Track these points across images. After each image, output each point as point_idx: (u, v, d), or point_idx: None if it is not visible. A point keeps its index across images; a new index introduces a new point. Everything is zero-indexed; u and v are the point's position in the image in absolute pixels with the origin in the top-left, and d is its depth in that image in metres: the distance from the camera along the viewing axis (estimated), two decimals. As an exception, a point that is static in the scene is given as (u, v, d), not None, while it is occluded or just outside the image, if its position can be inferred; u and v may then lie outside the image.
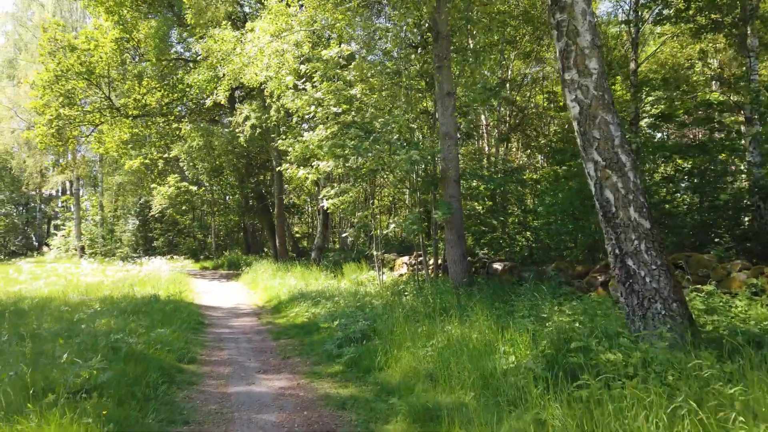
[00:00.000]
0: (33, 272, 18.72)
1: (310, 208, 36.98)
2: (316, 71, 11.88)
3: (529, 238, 13.49)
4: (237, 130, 17.34)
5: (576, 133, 5.68)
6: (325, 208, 14.95)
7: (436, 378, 5.11)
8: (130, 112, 24.23)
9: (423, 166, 12.69)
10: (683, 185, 10.64)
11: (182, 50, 25.48)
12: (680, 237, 9.60)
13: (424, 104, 13.61)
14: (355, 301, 10.30)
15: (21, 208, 47.09)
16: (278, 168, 13.86)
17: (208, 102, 15.06)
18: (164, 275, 18.60)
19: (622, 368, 4.36)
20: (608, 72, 7.29)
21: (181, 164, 20.64)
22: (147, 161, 22.55)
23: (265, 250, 32.07)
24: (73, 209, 37.13)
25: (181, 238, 34.08)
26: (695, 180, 10.31)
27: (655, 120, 11.04)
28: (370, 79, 12.35)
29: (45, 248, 41.27)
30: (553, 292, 8.73)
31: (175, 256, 30.88)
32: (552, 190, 11.22)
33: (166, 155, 22.08)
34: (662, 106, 13.11)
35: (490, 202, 14.28)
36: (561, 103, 16.11)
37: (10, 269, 19.84)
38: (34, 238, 46.34)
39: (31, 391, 4.05)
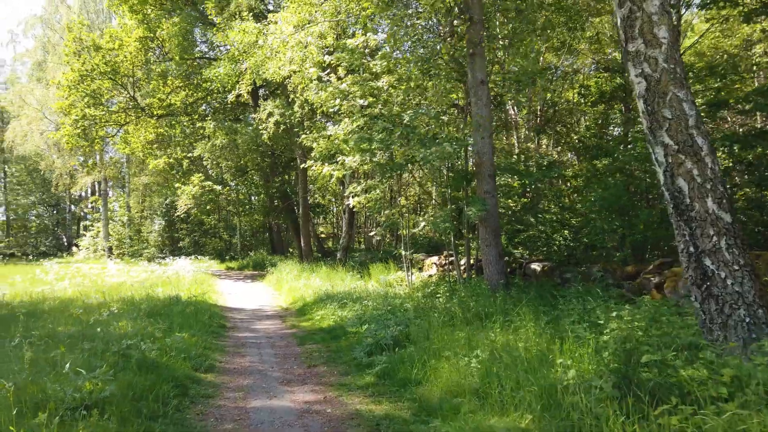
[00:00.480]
0: (59, 273, 18.61)
1: (335, 209, 36.57)
2: (340, 62, 11.30)
3: (566, 236, 12.68)
4: (260, 127, 16.90)
5: (641, 114, 4.95)
6: (350, 206, 14.39)
7: (483, 395, 4.44)
8: (155, 112, 24.11)
9: (454, 161, 12.04)
10: (745, 178, 9.72)
11: (206, 49, 25.29)
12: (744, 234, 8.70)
13: (455, 96, 12.91)
14: (384, 303, 9.67)
15: (51, 210, 47.88)
16: (302, 165, 13.33)
17: (230, 97, 14.65)
18: (188, 276, 18.31)
19: (712, 388, 3.64)
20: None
21: (204, 163, 20.34)
22: (172, 161, 22.34)
23: (291, 250, 31.72)
24: (101, 210, 37.44)
25: (206, 238, 33.99)
26: (757, 172, 9.39)
27: (709, 108, 10.12)
28: (398, 70, 11.74)
29: (74, 249, 41.75)
30: (601, 294, 7.97)
31: (200, 257, 30.77)
32: (596, 185, 10.40)
33: (190, 155, 21.82)
34: (709, 96, 12.17)
35: (526, 199, 13.51)
36: (592, 99, 15.21)
37: (37, 269, 19.78)
38: (64, 239, 47.03)
39: (14, 411, 3.53)
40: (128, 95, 23.53)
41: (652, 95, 4.79)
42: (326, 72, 11.66)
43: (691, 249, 4.75)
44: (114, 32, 22.83)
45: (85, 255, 38.09)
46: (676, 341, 4.75)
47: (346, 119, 11.30)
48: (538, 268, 10.68)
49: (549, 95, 17.75)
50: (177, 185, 22.25)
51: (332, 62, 11.50)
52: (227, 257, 31.79)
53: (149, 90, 23.64)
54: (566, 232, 12.70)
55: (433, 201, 25.63)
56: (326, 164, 12.69)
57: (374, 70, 11.65)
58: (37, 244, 44.23)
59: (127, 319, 8.54)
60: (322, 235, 36.09)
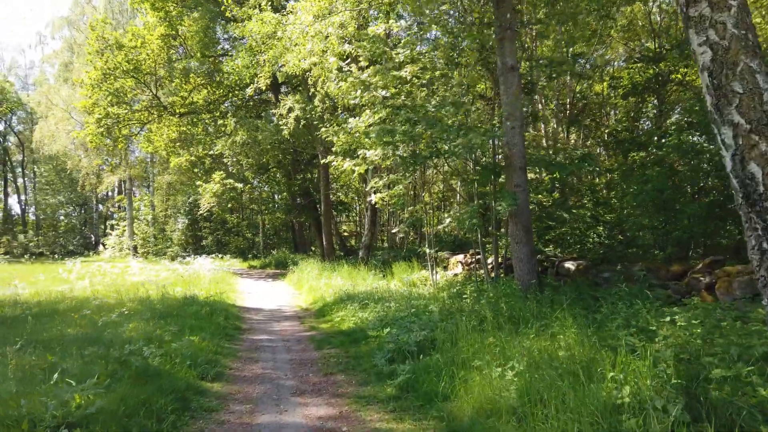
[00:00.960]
0: (81, 271, 18.54)
1: (358, 207, 36.13)
2: (362, 52, 10.76)
3: (601, 233, 11.92)
4: (281, 123, 16.50)
5: (705, 89, 4.27)
6: (372, 203, 13.86)
7: (523, 416, 3.85)
8: (178, 110, 23.99)
9: (480, 153, 11.39)
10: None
11: (228, 47, 25.06)
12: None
13: (482, 86, 12.27)
14: (408, 305, 9.11)
15: (79, 209, 48.62)
16: (323, 161, 12.86)
17: (249, 91, 14.26)
18: (208, 274, 18.05)
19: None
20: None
21: (225, 161, 20.09)
22: (194, 159, 22.16)
23: (313, 248, 31.41)
24: (126, 209, 37.74)
25: (230, 237, 33.91)
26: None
27: None
28: (421, 59, 11.14)
29: (101, 248, 42.24)
30: (645, 296, 7.27)
31: (222, 255, 30.67)
32: (635, 179, 9.64)
33: (211, 152, 21.59)
34: None
35: (556, 195, 12.79)
36: (624, 90, 14.35)
37: (60, 268, 19.76)
38: (92, 238, 47.71)
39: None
40: (151, 94, 23.45)
41: (719, 66, 4.11)
42: (347, 62, 11.14)
43: (765, 245, 4.06)
44: (136, 30, 22.75)
45: (111, 254, 38.47)
46: (747, 352, 4.07)
47: (368, 110, 10.77)
48: (573, 267, 9.97)
49: (579, 87, 16.92)
50: (198, 183, 22.03)
51: (353, 52, 10.97)
52: (250, 256, 31.62)
53: (172, 88, 23.52)
54: (600, 228, 11.96)
55: (458, 197, 24.96)
56: (347, 159, 12.19)
57: (397, 59, 11.10)
58: (65, 243, 44.90)
59: (138, 321, 8.17)
60: (345, 234, 35.68)
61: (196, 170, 22.85)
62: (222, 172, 21.45)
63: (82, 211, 48.74)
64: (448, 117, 10.11)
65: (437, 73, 10.83)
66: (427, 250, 12.55)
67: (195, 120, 23.90)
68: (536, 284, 9.03)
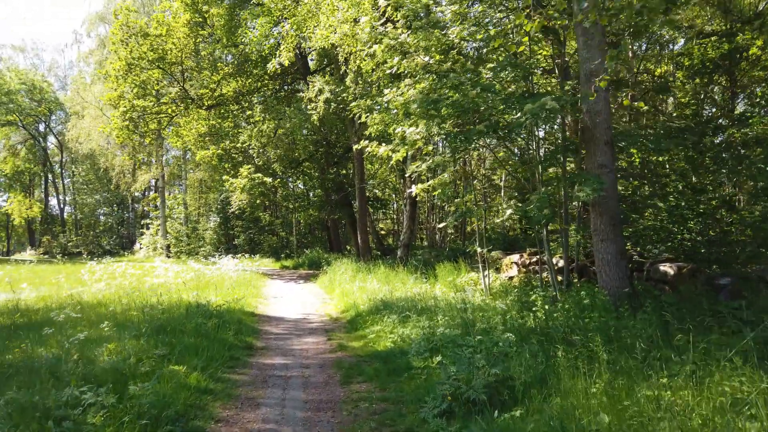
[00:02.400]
0: (101, 273, 17.34)
1: (395, 204, 34.23)
2: (399, 6, 8.83)
3: (692, 227, 9.65)
4: (309, 108, 14.76)
5: None
6: (412, 195, 11.94)
7: None
8: (206, 102, 22.70)
9: (544, 132, 9.32)
10: None
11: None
12: None
13: (547, 51, 10.17)
14: (460, 317, 7.17)
15: (116, 208, 48.49)
16: (356, 147, 11.03)
17: (270, 66, 12.54)
18: (234, 276, 16.55)
19: None
20: None
21: (251, 152, 18.56)
22: (220, 152, 20.73)
23: (348, 248, 29.70)
24: (159, 207, 37.01)
25: (263, 236, 32.55)
26: None
27: None
28: (472, 17, 9.14)
29: (136, 247, 41.78)
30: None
31: (253, 255, 29.33)
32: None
33: (239, 144, 20.10)
34: None
35: (635, 181, 10.57)
36: (689, 72, 11.97)
37: (83, 269, 18.59)
38: (129, 237, 47.53)
39: None
40: (178, 85, 22.21)
41: None
42: (382, 22, 9.27)
43: None
44: (161, 18, 21.50)
45: (146, 253, 37.82)
46: None
47: (407, 80, 8.85)
48: (672, 271, 7.78)
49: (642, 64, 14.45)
50: (225, 177, 20.59)
51: (388, 9, 9.05)
52: (282, 255, 30.20)
53: (199, 79, 22.24)
54: (692, 222, 9.67)
55: (501, 192, 22.73)
56: (383, 145, 10.33)
57: (442, 18, 9.16)
58: (102, 242, 44.75)
59: (123, 339, 6.53)
60: (382, 232, 33.87)
61: (225, 165, 21.41)
62: (250, 165, 19.93)
63: (119, 211, 48.60)
64: (507, 82, 8.10)
65: (492, 31, 8.78)
66: (478, 249, 10.56)
67: (224, 112, 22.51)
68: (629, 293, 6.94)
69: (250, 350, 7.19)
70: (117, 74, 21.52)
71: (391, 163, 11.18)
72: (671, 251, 9.35)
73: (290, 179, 22.76)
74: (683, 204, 9.17)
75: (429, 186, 10.51)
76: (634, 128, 9.18)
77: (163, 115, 23.50)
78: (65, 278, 16.96)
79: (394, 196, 33.37)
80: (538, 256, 11.56)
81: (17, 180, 49.05)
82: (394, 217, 36.51)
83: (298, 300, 13.15)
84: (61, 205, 49.43)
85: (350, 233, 24.21)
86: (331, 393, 5.14)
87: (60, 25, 78.25)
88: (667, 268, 7.88)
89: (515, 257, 12.33)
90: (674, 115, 12.36)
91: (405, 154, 10.20)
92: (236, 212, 30.29)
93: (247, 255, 29.08)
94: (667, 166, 10.17)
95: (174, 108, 23.03)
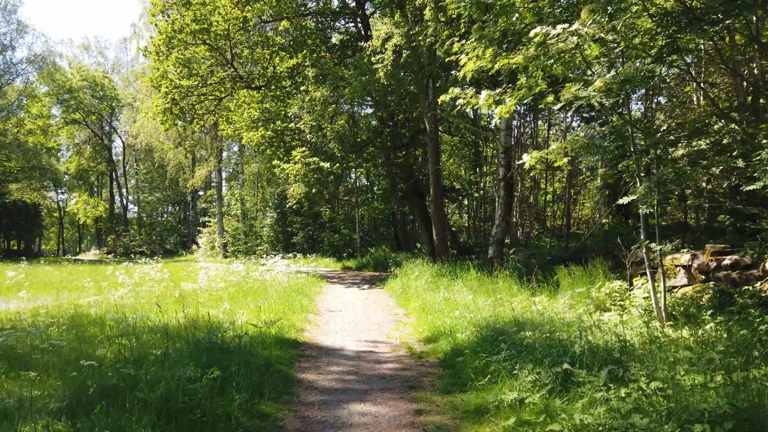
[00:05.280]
0: (137, 274, 14.68)
1: (483, 197, 30.22)
2: None
3: None
4: (374, 60, 11.28)
5: None
6: (510, 176, 8.12)
7: None
8: (257, 82, 19.81)
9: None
10: None
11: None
12: None
13: None
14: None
15: (177, 206, 47.36)
16: (442, 97, 7.35)
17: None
18: (284, 280, 13.37)
19: None
20: None
21: (302, 127, 15.32)
22: (270, 133, 17.69)
23: (419, 245, 26.09)
24: (216, 204, 34.93)
25: (323, 233, 29.50)
26: None
27: None
28: None
29: (194, 246, 40.11)
30: None
31: (311, 254, 26.31)
32: None
33: (290, 124, 16.95)
34: None
35: None
36: None
37: (117, 272, 16.00)
38: (191, 236, 46.22)
39: None
40: (225, 61, 19.45)
41: None
42: None
43: None
44: (203, -18, 18.77)
45: (203, 253, 35.93)
46: None
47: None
48: None
49: None
50: (275, 162, 17.52)
51: None
52: (345, 255, 27.00)
53: (248, 55, 19.38)
54: None
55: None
56: (482, 92, 6.65)
57: None
58: (163, 241, 43.59)
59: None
60: (453, 228, 29.94)
61: (276, 150, 18.36)
62: (304, 149, 16.72)
63: (180, 209, 47.43)
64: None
65: None
66: (647, 245, 6.61)
67: (278, 93, 19.48)
68: None
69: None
70: (157, 50, 19.03)
71: (495, 119, 7.47)
72: None
73: (352, 166, 19.32)
74: None
75: (565, 145, 6.71)
76: None
77: (211, 97, 20.86)
78: (95, 281, 14.57)
79: (468, 184, 29.43)
80: (735, 256, 7.46)
81: (83, 179, 48.98)
82: (472, 211, 32.54)
83: (363, 315, 9.66)
84: (125, 204, 48.92)
85: (421, 229, 20.57)
86: None
87: (122, 18, 78.94)
88: None
89: (684, 257, 8.21)
90: None
91: (528, 96, 6.47)
92: (294, 207, 27.46)
93: (305, 254, 26.12)
94: None
95: (222, 89, 20.33)
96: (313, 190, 17.11)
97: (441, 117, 16.42)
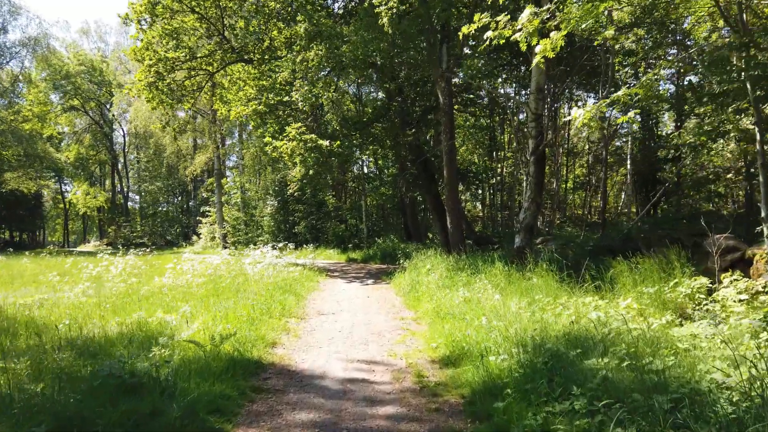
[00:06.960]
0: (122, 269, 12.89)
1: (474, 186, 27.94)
2: None
3: None
4: (377, 10, 9.16)
5: None
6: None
7: None
8: (252, 55, 17.74)
9: None
10: None
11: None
12: None
13: None
14: None
15: (177, 196, 45.58)
16: (463, 29, 5.22)
17: None
18: (270, 274, 11.41)
19: None
20: None
21: (294, 96, 13.22)
22: (262, 108, 15.62)
23: (430, 236, 23.98)
24: (215, 193, 33.02)
25: (328, 222, 27.44)
26: None
27: None
28: None
29: (194, 237, 38.26)
30: None
31: (310, 245, 24.29)
32: None
33: (285, 97, 14.84)
34: None
35: None
36: None
37: (93, 264, 14.11)
38: (192, 227, 44.42)
39: None
40: (216, 31, 17.42)
41: None
42: None
43: None
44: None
45: (203, 244, 34.11)
46: None
47: None
48: None
49: None
50: (267, 139, 15.46)
51: None
52: (350, 245, 24.95)
53: (242, 26, 17.29)
54: None
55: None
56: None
57: None
58: (163, 233, 41.87)
59: None
60: (467, 217, 27.73)
61: (268, 127, 16.32)
62: (300, 124, 14.64)
63: (181, 199, 45.63)
64: None
65: None
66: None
67: (273, 66, 17.39)
68: None
69: None
70: (139, 17, 17.02)
71: (535, 59, 5.38)
72: None
73: (355, 145, 17.17)
74: None
75: (635, 90, 4.56)
76: None
77: (202, 72, 18.83)
78: (66, 275, 12.78)
79: (484, 170, 27.17)
80: None
81: (83, 168, 47.26)
82: (488, 199, 30.33)
83: (361, 320, 7.59)
84: (126, 194, 47.18)
85: (433, 217, 18.44)
86: None
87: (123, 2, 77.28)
88: None
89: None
90: None
91: (589, 18, 4.38)
92: (295, 194, 25.46)
93: (308, 245, 24.11)
94: None
95: (213, 62, 18.30)
96: (311, 172, 15.03)
97: (455, 90, 14.34)
